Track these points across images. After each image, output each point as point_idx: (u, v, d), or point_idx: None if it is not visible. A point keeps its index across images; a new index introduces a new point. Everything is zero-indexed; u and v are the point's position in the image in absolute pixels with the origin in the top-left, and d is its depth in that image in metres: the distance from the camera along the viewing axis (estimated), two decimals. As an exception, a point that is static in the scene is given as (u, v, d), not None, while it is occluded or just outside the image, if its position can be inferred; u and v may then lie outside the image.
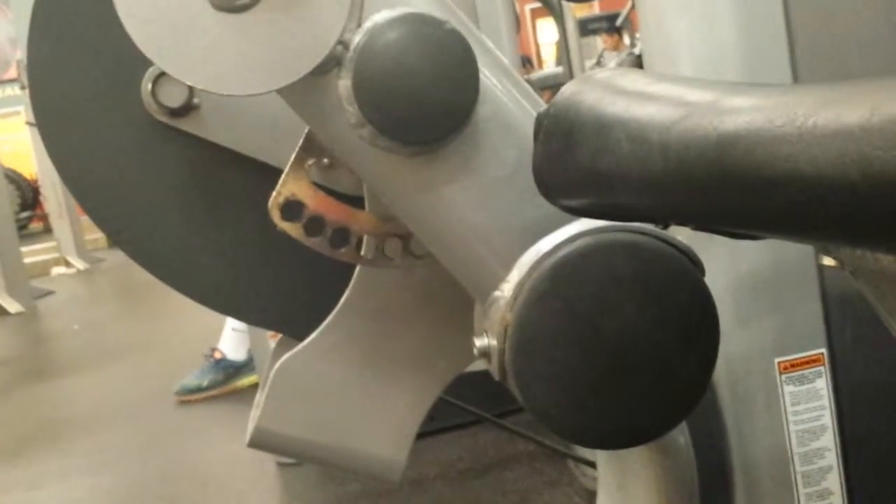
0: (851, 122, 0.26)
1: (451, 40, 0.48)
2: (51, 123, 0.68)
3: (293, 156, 0.60)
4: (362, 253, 0.61)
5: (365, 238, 0.61)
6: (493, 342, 0.51)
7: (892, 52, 0.64)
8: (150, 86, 0.66)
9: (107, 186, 0.69)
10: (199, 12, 0.44)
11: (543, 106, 0.53)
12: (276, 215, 0.59)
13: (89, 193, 0.69)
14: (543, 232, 0.51)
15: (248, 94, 0.46)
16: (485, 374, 0.75)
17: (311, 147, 0.60)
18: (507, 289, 0.51)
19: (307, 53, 0.46)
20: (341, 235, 0.61)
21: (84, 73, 0.67)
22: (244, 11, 0.45)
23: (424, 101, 0.48)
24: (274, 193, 0.59)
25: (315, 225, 0.60)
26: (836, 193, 0.26)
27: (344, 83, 0.48)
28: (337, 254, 0.61)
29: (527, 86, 0.54)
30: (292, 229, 0.60)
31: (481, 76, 0.49)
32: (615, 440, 0.53)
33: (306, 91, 0.49)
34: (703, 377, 0.51)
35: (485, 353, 0.53)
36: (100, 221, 0.70)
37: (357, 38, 0.47)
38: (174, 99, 0.66)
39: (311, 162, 0.60)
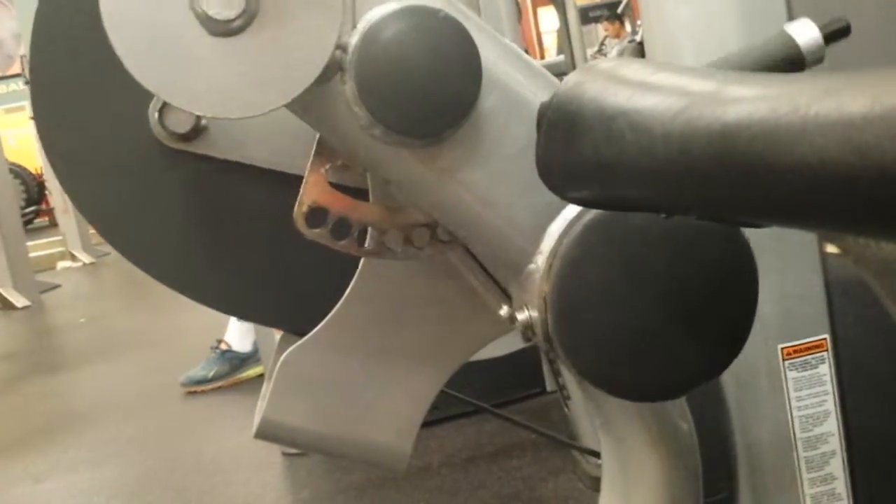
0: (853, 112, 0.26)
1: (446, 28, 0.48)
2: (58, 146, 0.69)
3: (309, 163, 0.60)
4: (389, 247, 0.61)
5: (390, 232, 0.60)
6: (535, 314, 0.52)
7: (893, 39, 0.63)
8: (156, 114, 0.67)
9: (114, 202, 0.70)
10: (195, 41, 0.44)
11: (552, 78, 0.53)
12: (301, 225, 0.59)
13: (97, 209, 0.70)
14: None
15: (255, 114, 0.46)
16: (487, 364, 0.75)
17: (324, 151, 0.60)
18: (540, 260, 0.51)
19: (307, 65, 0.46)
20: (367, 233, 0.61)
21: (91, 99, 0.67)
22: (240, 33, 0.45)
23: (430, 92, 0.48)
24: (296, 204, 0.59)
25: (341, 228, 0.60)
26: (838, 182, 0.26)
27: (349, 86, 0.48)
28: (366, 252, 0.61)
29: (532, 61, 0.54)
30: (320, 236, 0.60)
31: (483, 58, 0.49)
32: (669, 391, 0.53)
33: (313, 100, 0.49)
34: (745, 318, 0.51)
35: (528, 327, 0.53)
36: (106, 234, 0.71)
37: (354, 40, 0.47)
38: (183, 125, 0.67)
39: (327, 167, 0.60)
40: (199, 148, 0.68)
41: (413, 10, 0.47)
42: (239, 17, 0.44)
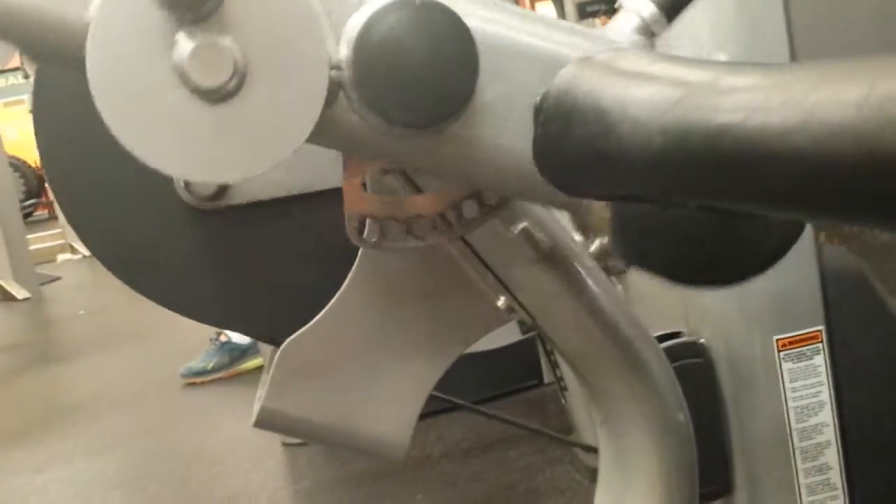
0: (849, 99, 0.26)
1: (427, 12, 0.48)
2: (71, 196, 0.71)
3: (344, 182, 0.60)
4: (444, 226, 0.61)
5: (447, 213, 0.60)
6: (604, 241, 0.52)
7: (891, 30, 0.63)
8: (182, 181, 0.67)
9: (137, 257, 0.72)
10: (196, 114, 0.44)
11: (575, 29, 0.52)
12: (356, 239, 0.60)
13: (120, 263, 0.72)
14: None
15: (273, 165, 0.45)
16: (485, 355, 0.75)
17: (351, 163, 0.60)
18: None
19: (310, 101, 0.46)
20: (418, 224, 0.61)
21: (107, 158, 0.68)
22: (237, 93, 0.44)
23: (433, 78, 0.48)
24: (346, 222, 0.60)
25: (392, 227, 0.60)
26: (835, 171, 0.26)
27: (355, 99, 0.47)
28: (424, 241, 0.61)
29: (536, 14, 0.54)
30: (378, 244, 0.60)
31: (476, 26, 0.48)
32: (740, 277, 0.54)
33: (327, 125, 0.48)
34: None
35: (602, 255, 0.54)
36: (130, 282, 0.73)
37: (344, 55, 0.47)
38: (210, 186, 0.67)
39: (358, 179, 0.60)
40: (228, 201, 0.69)
41: (387, 9, 0.47)
42: (231, 78, 0.43)
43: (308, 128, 0.46)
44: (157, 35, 0.43)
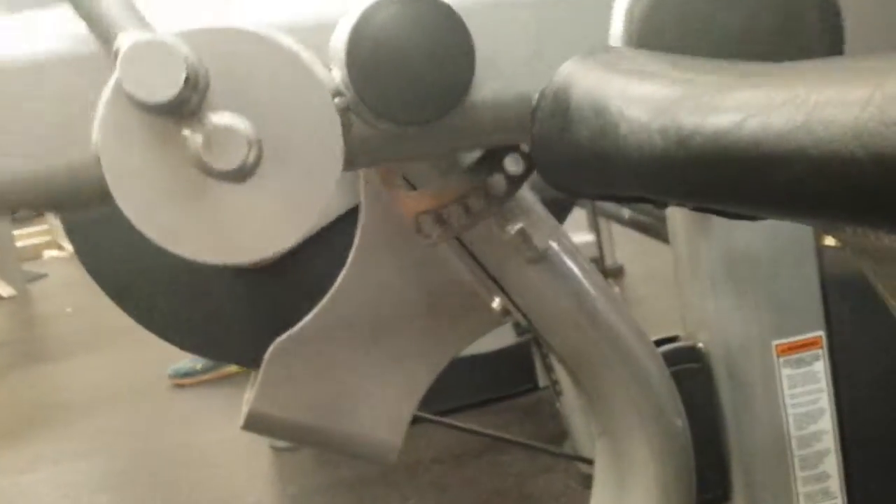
0: (854, 99, 0.25)
1: (405, 8, 0.47)
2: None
3: (390, 192, 0.61)
4: (495, 195, 0.61)
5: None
6: None
7: (891, 28, 0.63)
8: None
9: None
10: (230, 198, 0.43)
11: None
12: (421, 237, 0.60)
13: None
14: None
15: (319, 212, 0.45)
16: (479, 359, 0.75)
17: (388, 176, 0.61)
18: None
19: (330, 140, 0.45)
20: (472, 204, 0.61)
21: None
22: (259, 166, 0.43)
23: (431, 69, 0.47)
24: (412, 220, 0.60)
25: (452, 213, 0.60)
26: (838, 171, 0.26)
27: (365, 114, 0.47)
28: (479, 218, 0.61)
29: None
30: (443, 235, 0.60)
31: (466, 6, 0.47)
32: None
33: (349, 150, 0.48)
34: None
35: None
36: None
37: (340, 77, 0.46)
38: None
39: (401, 183, 0.60)
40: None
41: (368, 15, 0.46)
42: (249, 153, 0.43)
43: (338, 165, 0.45)
44: (164, 140, 0.43)
